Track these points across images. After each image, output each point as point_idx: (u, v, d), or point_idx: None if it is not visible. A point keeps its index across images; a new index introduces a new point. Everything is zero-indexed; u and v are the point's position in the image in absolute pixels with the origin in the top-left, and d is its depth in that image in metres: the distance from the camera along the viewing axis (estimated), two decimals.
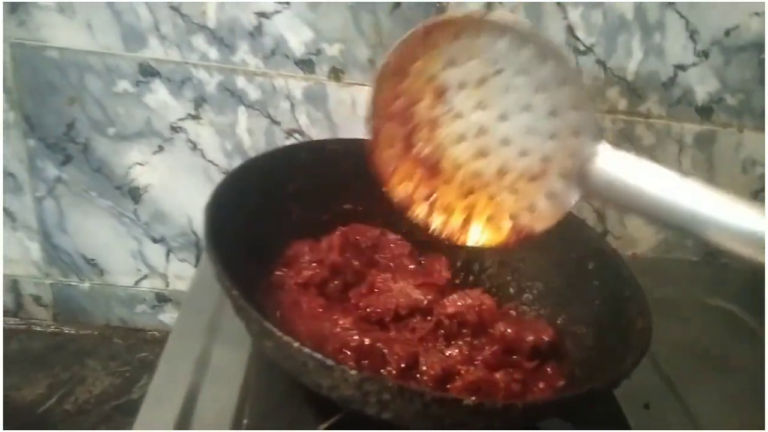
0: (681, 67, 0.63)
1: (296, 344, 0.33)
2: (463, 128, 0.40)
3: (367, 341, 0.41)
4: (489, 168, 0.40)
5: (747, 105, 0.65)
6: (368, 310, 0.44)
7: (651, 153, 0.67)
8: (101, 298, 0.74)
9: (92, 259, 0.71)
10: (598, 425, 0.43)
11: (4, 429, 0.59)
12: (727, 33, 0.61)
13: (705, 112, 0.65)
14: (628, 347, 0.40)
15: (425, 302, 0.44)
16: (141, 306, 0.75)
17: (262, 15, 0.60)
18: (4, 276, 0.72)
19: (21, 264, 0.72)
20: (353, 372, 0.32)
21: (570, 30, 0.61)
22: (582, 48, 0.62)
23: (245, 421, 0.43)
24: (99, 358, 0.70)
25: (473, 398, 0.32)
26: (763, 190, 0.69)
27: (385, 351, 0.41)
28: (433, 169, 0.42)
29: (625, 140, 0.66)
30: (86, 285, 0.73)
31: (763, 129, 0.66)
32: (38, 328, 0.73)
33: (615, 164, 0.36)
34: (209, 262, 0.39)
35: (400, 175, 0.43)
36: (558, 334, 0.46)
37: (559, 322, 0.47)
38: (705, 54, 0.62)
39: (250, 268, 0.45)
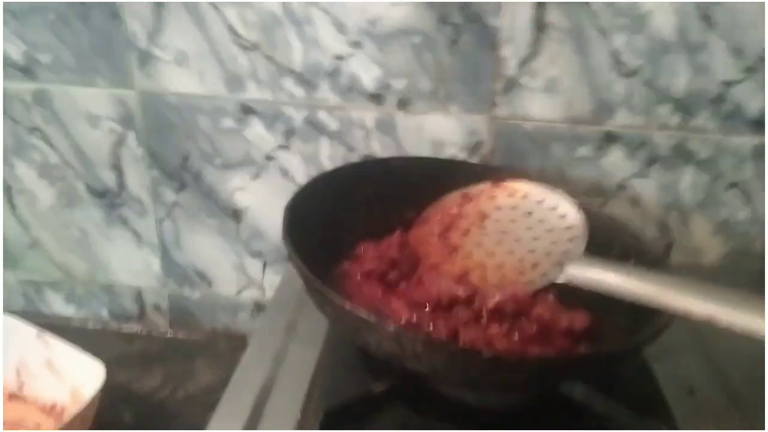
0: (728, 84, 0.66)
1: (348, 305, 0.41)
2: (485, 240, 0.57)
3: (414, 318, 0.48)
4: (491, 262, 0.55)
5: None
6: (414, 298, 0.51)
7: (709, 166, 0.70)
8: (208, 306, 0.85)
9: (202, 272, 0.83)
10: (634, 404, 0.46)
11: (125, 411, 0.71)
12: None
13: (758, 125, 0.67)
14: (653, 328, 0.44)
15: (463, 295, 0.50)
16: (242, 314, 0.85)
17: (339, 58, 0.70)
18: (132, 287, 0.86)
19: (144, 277, 0.85)
20: (391, 326, 0.39)
21: (615, 55, 0.66)
22: (628, 71, 0.67)
23: (313, 404, 0.50)
24: (206, 358, 0.81)
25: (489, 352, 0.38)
26: None
27: (431, 326, 0.47)
28: (450, 251, 0.57)
29: (680, 155, 0.70)
30: (196, 294, 0.85)
31: None
32: (156, 333, 0.85)
33: (588, 267, 0.49)
34: (288, 259, 0.48)
35: (427, 246, 0.58)
36: (594, 321, 0.50)
37: (599, 308, 0.51)
38: (752, 70, 0.65)
39: (320, 260, 0.53)
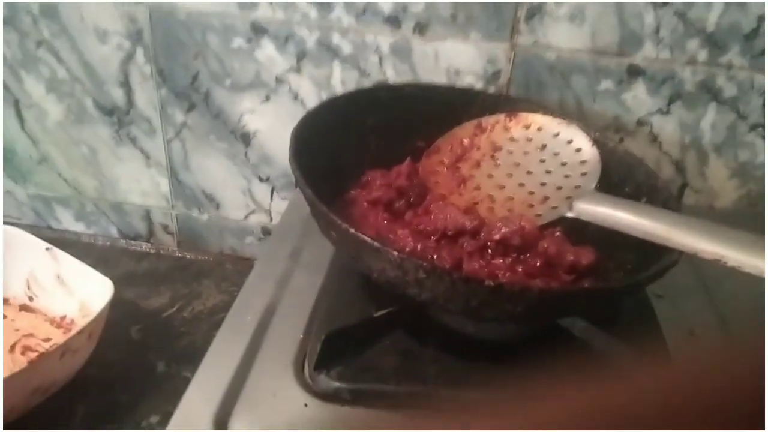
0: (764, 18, 0.63)
1: (352, 230, 0.40)
2: (496, 172, 0.56)
3: (419, 247, 0.47)
4: (501, 195, 0.54)
5: None
6: (420, 227, 0.50)
7: (734, 105, 0.67)
8: (216, 228, 0.86)
9: (210, 194, 0.83)
10: (633, 343, 0.46)
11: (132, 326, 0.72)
12: None
13: None
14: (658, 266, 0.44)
15: (470, 226, 0.49)
16: (249, 237, 0.86)
17: None
18: (140, 207, 0.86)
19: (153, 196, 0.85)
20: (395, 252, 0.39)
21: None
22: (660, 0, 0.63)
23: (315, 328, 0.50)
24: (213, 279, 0.82)
25: (491, 281, 0.37)
26: None
27: (435, 255, 0.47)
28: (459, 183, 0.56)
29: (705, 92, 0.67)
30: (205, 216, 0.85)
31: None
32: (164, 252, 0.86)
33: (598, 203, 0.48)
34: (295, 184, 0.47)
35: (436, 176, 0.57)
36: (601, 259, 0.49)
37: (606, 246, 0.50)
38: None
39: (328, 186, 0.52)
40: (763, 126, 0.68)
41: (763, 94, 0.66)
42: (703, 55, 0.65)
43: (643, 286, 0.42)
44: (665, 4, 0.63)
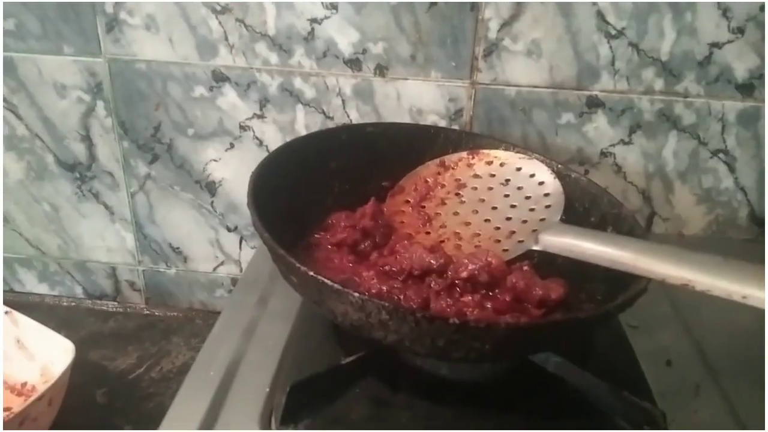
0: (716, 45, 0.64)
1: (311, 273, 0.39)
2: (462, 209, 0.56)
3: (384, 288, 0.46)
4: (467, 231, 0.53)
5: None
6: (385, 268, 0.49)
7: (693, 132, 0.68)
8: (185, 283, 0.83)
9: (177, 248, 0.81)
10: (610, 376, 0.45)
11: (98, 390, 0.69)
12: (762, 8, 0.62)
13: (746, 89, 0.65)
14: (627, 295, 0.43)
15: (436, 265, 0.48)
16: (219, 290, 0.83)
17: (314, 21, 0.67)
18: (106, 264, 0.84)
19: (118, 252, 0.83)
20: (356, 294, 0.37)
21: (600, 15, 0.64)
22: (613, 32, 0.64)
23: (282, 379, 0.48)
24: (182, 336, 0.79)
25: (456, 319, 0.36)
26: None
27: (401, 297, 0.46)
28: (425, 222, 0.56)
29: (665, 120, 0.68)
30: (172, 271, 0.83)
31: None
32: (132, 310, 0.83)
33: (563, 234, 0.48)
34: (252, 224, 0.45)
35: (401, 216, 0.57)
36: (571, 293, 0.48)
37: (575, 278, 0.49)
38: (740, 30, 0.63)
39: (290, 230, 0.51)
40: (723, 151, 0.68)
41: (720, 119, 0.67)
42: (659, 83, 0.66)
43: (613, 316, 0.41)
44: (619, 34, 0.64)
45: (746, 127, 0.67)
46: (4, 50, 0.72)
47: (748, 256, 0.37)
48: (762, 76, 0.65)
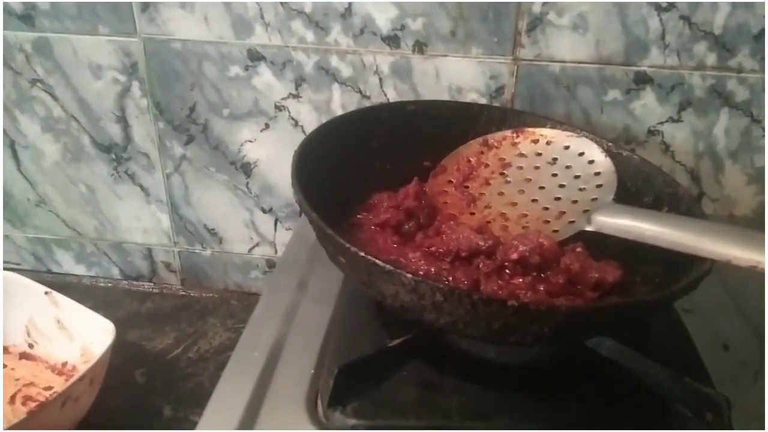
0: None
1: (362, 253, 0.38)
2: (507, 189, 0.54)
3: (433, 269, 0.45)
4: (514, 212, 0.52)
5: None
6: (431, 249, 0.48)
7: (747, 109, 0.65)
8: (220, 264, 0.83)
9: (212, 229, 0.81)
10: (666, 360, 0.43)
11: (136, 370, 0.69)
12: None
13: None
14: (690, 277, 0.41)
15: (484, 246, 0.46)
16: (254, 271, 0.83)
17: None
18: (142, 245, 0.84)
19: (154, 234, 0.82)
20: (409, 275, 0.36)
21: None
22: (664, 4, 0.62)
23: (327, 361, 0.47)
24: (218, 317, 0.79)
25: (515, 301, 0.34)
26: None
27: (449, 279, 0.44)
28: (469, 202, 0.55)
29: (717, 97, 0.65)
30: (208, 252, 0.83)
31: None
32: (168, 291, 0.84)
33: (618, 214, 0.46)
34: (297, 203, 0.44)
35: (444, 197, 0.56)
36: (626, 273, 0.47)
37: (630, 260, 0.48)
38: None
39: (332, 210, 0.50)
40: None
41: None
42: (711, 59, 0.63)
43: (676, 299, 0.40)
44: (670, 6, 0.61)
45: None
46: (40, 30, 0.71)
47: None
48: None
